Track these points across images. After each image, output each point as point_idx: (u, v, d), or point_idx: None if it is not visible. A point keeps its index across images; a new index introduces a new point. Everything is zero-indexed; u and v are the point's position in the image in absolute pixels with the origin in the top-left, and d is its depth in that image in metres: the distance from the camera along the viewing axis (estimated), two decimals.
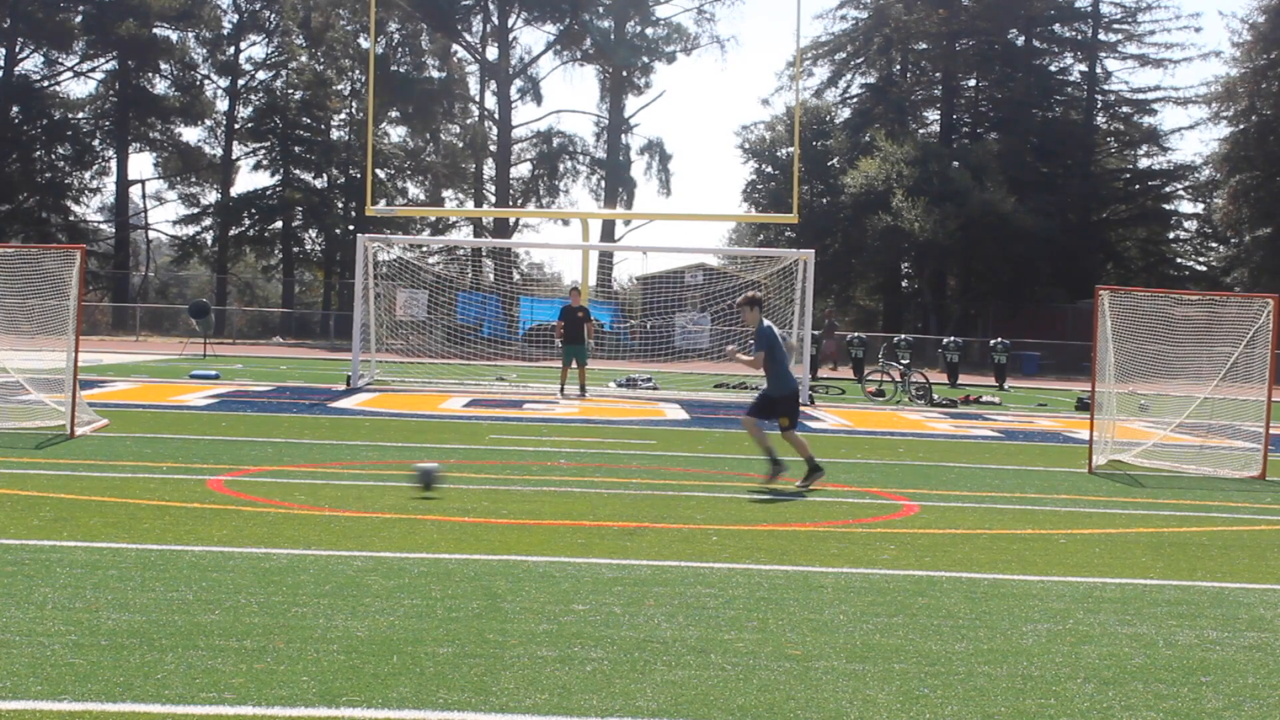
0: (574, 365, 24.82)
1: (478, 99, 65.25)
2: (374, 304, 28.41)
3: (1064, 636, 6.94)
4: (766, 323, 12.75)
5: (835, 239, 57.74)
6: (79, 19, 59.54)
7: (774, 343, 12.77)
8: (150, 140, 62.93)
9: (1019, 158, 56.44)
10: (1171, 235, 62.89)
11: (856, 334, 37.93)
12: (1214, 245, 61.60)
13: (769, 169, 62.56)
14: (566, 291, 29.34)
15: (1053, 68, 61.35)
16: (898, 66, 62.62)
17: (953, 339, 36.40)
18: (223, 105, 62.90)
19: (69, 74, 61.90)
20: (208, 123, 62.84)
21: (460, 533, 9.36)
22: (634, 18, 61.61)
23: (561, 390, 24.91)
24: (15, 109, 59.35)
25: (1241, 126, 55.11)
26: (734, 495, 11.87)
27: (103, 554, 8.13)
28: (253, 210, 61.53)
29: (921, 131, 60.83)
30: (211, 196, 63.51)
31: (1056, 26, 60.49)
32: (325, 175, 62.25)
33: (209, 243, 63.50)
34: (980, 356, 43.55)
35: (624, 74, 62.13)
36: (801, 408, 24.52)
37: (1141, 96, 60.07)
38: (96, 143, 61.72)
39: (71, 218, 61.35)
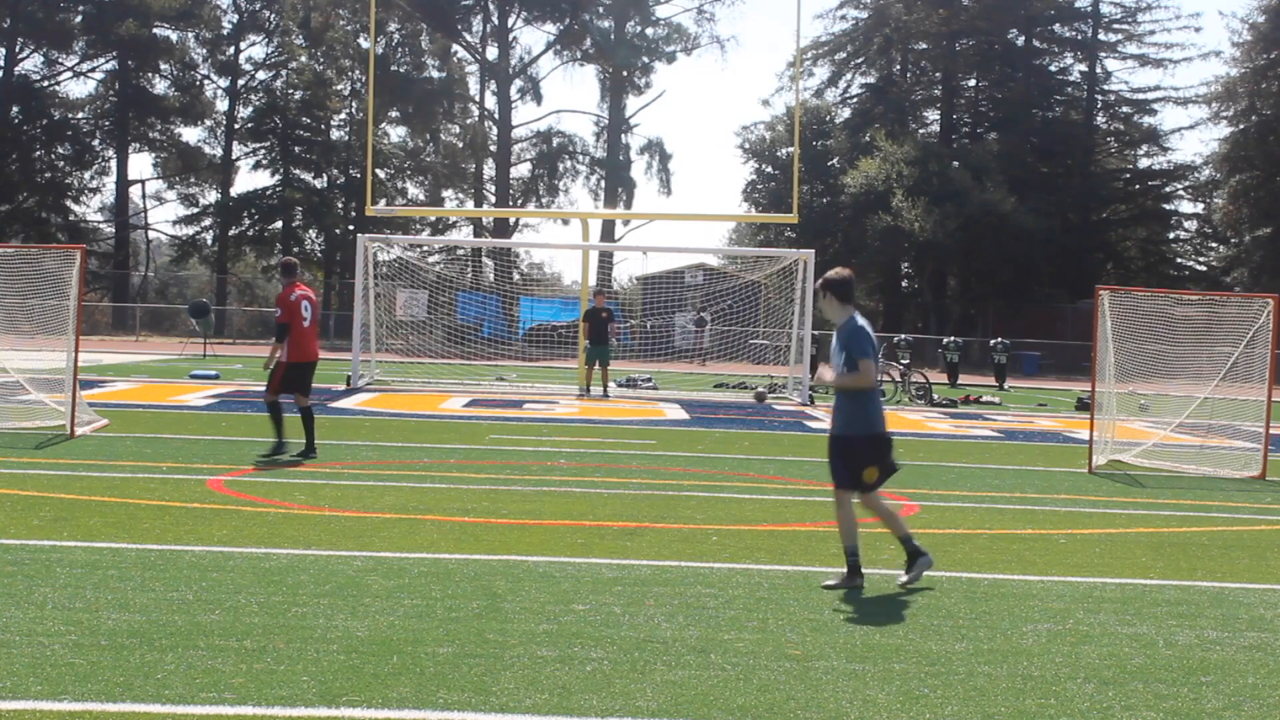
0: (597, 365, 25.12)
1: (478, 99, 65.29)
2: (374, 304, 28.40)
3: (1064, 636, 6.94)
4: (860, 319, 8.22)
5: (835, 239, 57.75)
6: (79, 19, 59.53)
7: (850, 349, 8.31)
8: (150, 140, 62.92)
9: (1019, 158, 56.44)
10: (1171, 235, 62.91)
11: None
12: (1214, 245, 61.63)
13: (769, 169, 62.57)
14: (571, 291, 29.36)
15: (1053, 68, 61.37)
16: (898, 66, 62.63)
17: (953, 339, 36.42)
18: (223, 105, 62.99)
19: (69, 74, 61.97)
20: (208, 123, 62.91)
21: (460, 533, 9.36)
22: (634, 18, 61.62)
23: (587, 389, 25.29)
24: (15, 109, 59.35)
25: (1241, 126, 55.14)
26: (734, 495, 11.87)
27: (103, 554, 8.13)
28: (253, 210, 61.52)
29: (921, 131, 60.84)
30: (211, 196, 63.54)
31: (1056, 26, 60.50)
32: (325, 175, 62.25)
33: (209, 243, 63.50)
34: (980, 356, 43.56)
35: (624, 74, 62.13)
36: (803, 408, 24.87)
37: (1141, 96, 60.13)
38: (96, 143, 61.73)
39: (71, 218, 61.37)
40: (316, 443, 13.64)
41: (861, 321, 8.15)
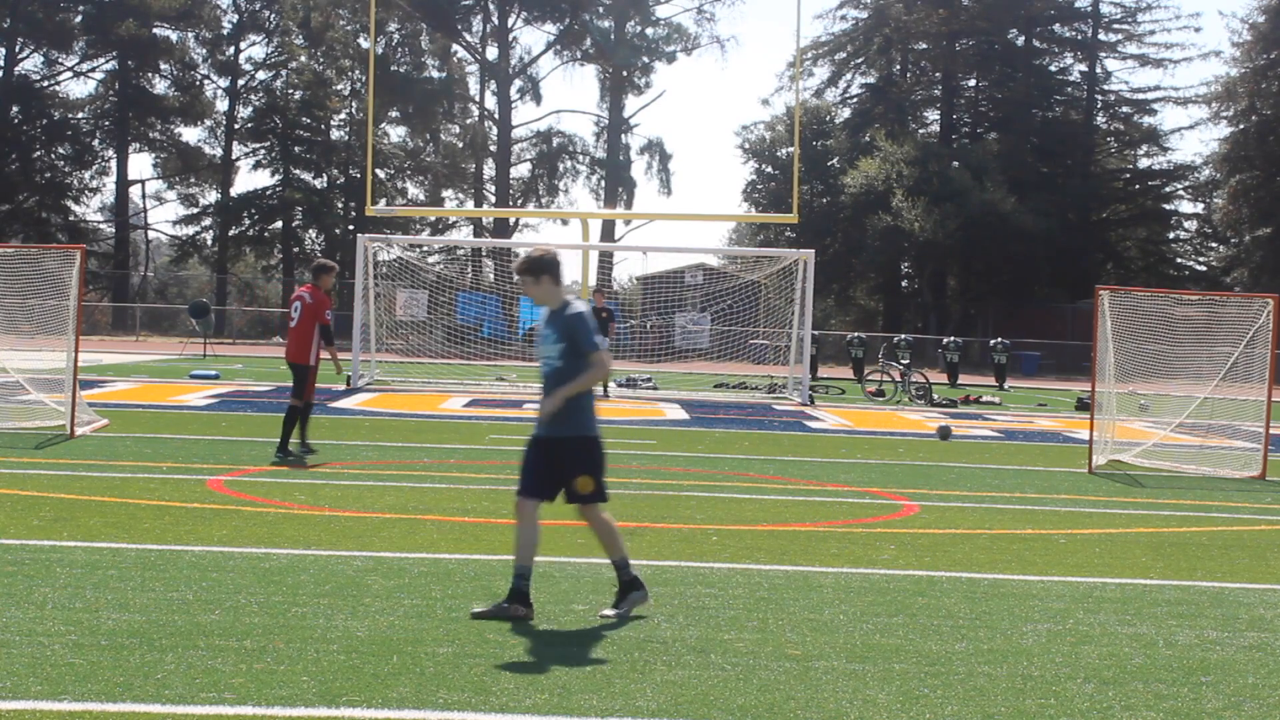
0: None
1: (478, 99, 65.29)
2: (374, 304, 28.39)
3: (1064, 636, 6.94)
4: (580, 303, 7.30)
5: (835, 239, 57.72)
6: (79, 19, 59.50)
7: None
8: (150, 140, 62.89)
9: (1019, 158, 56.42)
10: (1171, 235, 62.87)
11: (856, 334, 37.95)
12: (1214, 245, 61.60)
13: (769, 169, 62.53)
14: (571, 291, 29.29)
15: (1053, 68, 61.35)
16: (898, 66, 62.61)
17: (953, 339, 36.42)
18: (223, 105, 62.93)
19: (69, 74, 61.94)
20: (208, 123, 62.85)
21: (460, 533, 9.36)
22: (634, 18, 61.60)
23: None
24: (15, 109, 59.33)
25: (1241, 126, 55.12)
26: (734, 495, 11.87)
27: (103, 554, 8.13)
28: (252, 210, 61.51)
29: (921, 131, 60.82)
30: (211, 196, 63.52)
31: (1056, 26, 60.49)
32: (325, 175, 62.23)
33: (209, 243, 63.51)
34: (980, 356, 43.55)
35: (624, 74, 62.12)
36: (803, 408, 24.96)
37: (1141, 96, 60.09)
38: (96, 143, 61.70)
39: (71, 218, 61.32)
40: (292, 444, 13.54)
41: (581, 306, 7.18)
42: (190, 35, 61.81)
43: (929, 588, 8.07)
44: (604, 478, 7.19)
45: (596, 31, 61.25)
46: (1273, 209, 52.74)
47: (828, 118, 61.33)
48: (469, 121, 65.00)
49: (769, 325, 32.53)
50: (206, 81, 63.01)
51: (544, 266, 7.12)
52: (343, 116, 62.85)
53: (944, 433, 18.43)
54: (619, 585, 7.13)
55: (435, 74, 63.23)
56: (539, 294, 7.17)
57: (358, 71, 61.29)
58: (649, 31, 62.51)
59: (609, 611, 7.01)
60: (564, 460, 7.09)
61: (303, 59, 61.54)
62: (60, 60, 61.18)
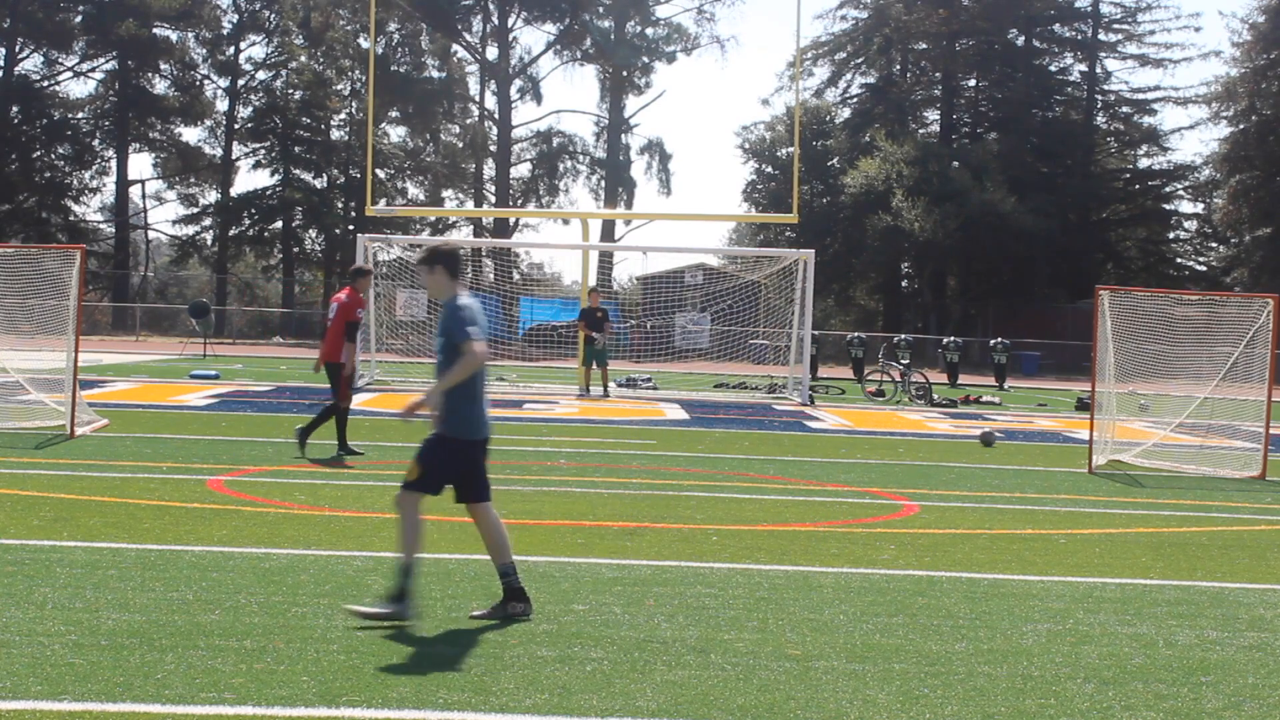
0: (595, 365, 25.09)
1: (478, 99, 65.28)
2: (374, 304, 28.38)
3: (1064, 636, 6.94)
4: (465, 297, 7.05)
5: (835, 239, 57.72)
6: (79, 19, 59.49)
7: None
8: (150, 140, 62.87)
9: (1019, 158, 56.41)
10: (1171, 235, 62.87)
11: (856, 334, 37.96)
12: (1214, 245, 61.60)
13: (769, 169, 62.54)
14: (571, 291, 29.28)
15: (1053, 68, 61.35)
16: (898, 66, 62.61)
17: (953, 339, 36.43)
18: (223, 105, 62.90)
19: (69, 74, 61.91)
20: (207, 123, 62.83)
21: (460, 533, 9.35)
22: (634, 18, 61.59)
23: (586, 389, 25.23)
24: (15, 109, 59.32)
25: (1241, 126, 55.12)
26: (734, 495, 11.87)
27: (103, 554, 8.13)
28: (252, 210, 61.48)
29: (921, 131, 60.80)
30: (211, 196, 63.51)
31: (1056, 26, 60.49)
32: (325, 175, 62.20)
33: (209, 243, 63.50)
34: (980, 356, 43.54)
35: (624, 74, 62.12)
36: (803, 408, 24.96)
37: (1141, 96, 60.08)
38: (96, 143, 61.66)
39: (71, 218, 61.29)
40: (308, 444, 13.81)
41: (465, 300, 6.92)
42: (190, 35, 61.79)
43: (929, 588, 8.07)
44: (447, 474, 7.04)
45: (596, 31, 61.24)
46: (1273, 209, 52.74)
47: (828, 118, 61.33)
48: (469, 121, 65.00)
49: (769, 325, 32.53)
50: (206, 81, 63.03)
51: (438, 258, 7.03)
52: (343, 116, 62.84)
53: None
54: (396, 588, 6.74)
55: (435, 74, 63.23)
56: (432, 285, 7.08)
57: (358, 71, 61.28)
58: (649, 31, 62.50)
59: (362, 606, 6.73)
60: (446, 456, 7.06)
61: (303, 59, 61.51)
62: (60, 60, 61.19)
